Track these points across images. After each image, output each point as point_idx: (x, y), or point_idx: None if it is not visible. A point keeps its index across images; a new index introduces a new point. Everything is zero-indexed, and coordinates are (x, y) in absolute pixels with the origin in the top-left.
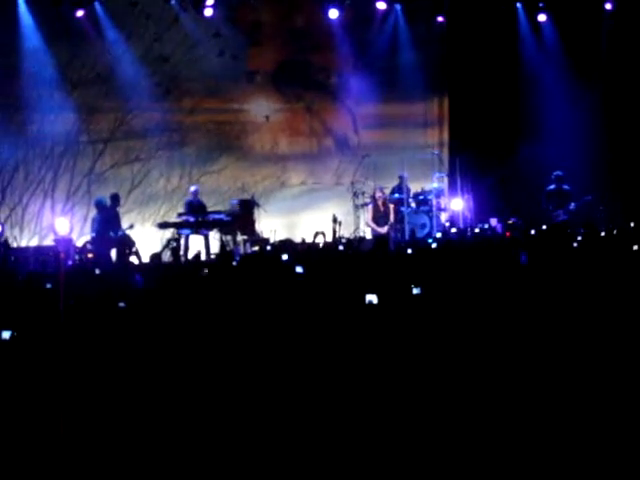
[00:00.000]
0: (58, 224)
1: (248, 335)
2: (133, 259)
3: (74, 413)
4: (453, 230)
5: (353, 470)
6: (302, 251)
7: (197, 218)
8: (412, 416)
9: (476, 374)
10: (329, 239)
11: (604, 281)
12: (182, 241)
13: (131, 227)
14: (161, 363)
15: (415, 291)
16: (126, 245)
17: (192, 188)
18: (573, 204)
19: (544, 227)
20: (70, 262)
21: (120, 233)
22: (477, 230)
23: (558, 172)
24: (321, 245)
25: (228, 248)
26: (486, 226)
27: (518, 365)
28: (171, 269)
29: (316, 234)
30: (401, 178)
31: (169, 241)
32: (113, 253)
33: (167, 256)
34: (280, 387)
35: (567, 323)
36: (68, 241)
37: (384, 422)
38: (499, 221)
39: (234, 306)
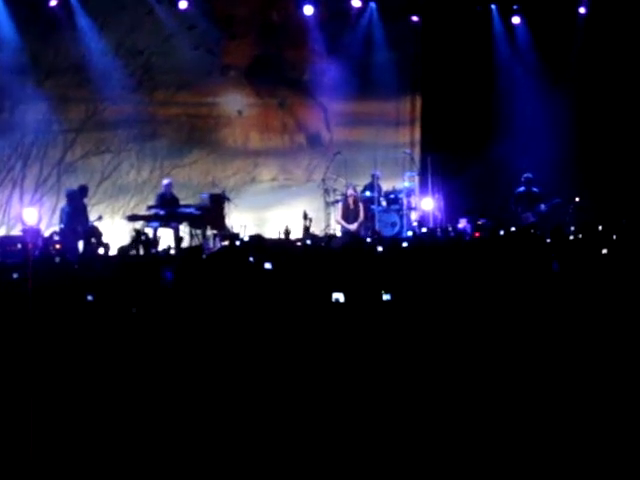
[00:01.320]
0: (26, 214)
1: (213, 331)
2: (100, 250)
3: (43, 408)
4: (423, 230)
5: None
6: (272, 247)
7: (167, 211)
8: (374, 417)
9: (445, 375)
10: (299, 235)
11: (572, 284)
12: (151, 234)
13: (99, 219)
14: (128, 355)
15: (385, 297)
16: (94, 237)
17: (165, 181)
18: (542, 206)
19: (513, 229)
20: (37, 252)
21: (88, 225)
22: (448, 230)
23: (528, 174)
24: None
25: (197, 242)
26: (452, 227)
27: (488, 365)
28: (139, 261)
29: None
30: (373, 176)
31: (137, 233)
32: (80, 245)
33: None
34: (245, 384)
35: (537, 324)
36: (36, 231)
37: (346, 421)
38: (469, 221)
39: (201, 301)
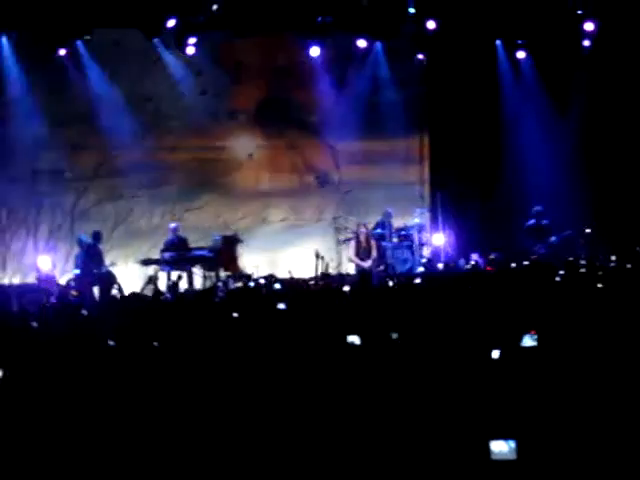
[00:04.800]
0: (41, 261)
1: (228, 372)
2: (115, 295)
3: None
4: (440, 265)
5: None
6: (286, 287)
7: (180, 254)
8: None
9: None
10: (312, 274)
11: (585, 318)
12: (165, 278)
13: (112, 264)
14: (149, 399)
15: (394, 336)
16: (109, 282)
17: (171, 225)
18: (553, 238)
19: (525, 262)
20: (53, 299)
21: (103, 270)
22: (461, 265)
23: (538, 207)
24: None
25: (210, 284)
26: (467, 263)
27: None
28: (153, 306)
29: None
30: (386, 214)
31: (150, 278)
32: (95, 290)
33: (148, 292)
34: (259, 424)
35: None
36: (51, 278)
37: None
38: (480, 256)
39: (215, 343)
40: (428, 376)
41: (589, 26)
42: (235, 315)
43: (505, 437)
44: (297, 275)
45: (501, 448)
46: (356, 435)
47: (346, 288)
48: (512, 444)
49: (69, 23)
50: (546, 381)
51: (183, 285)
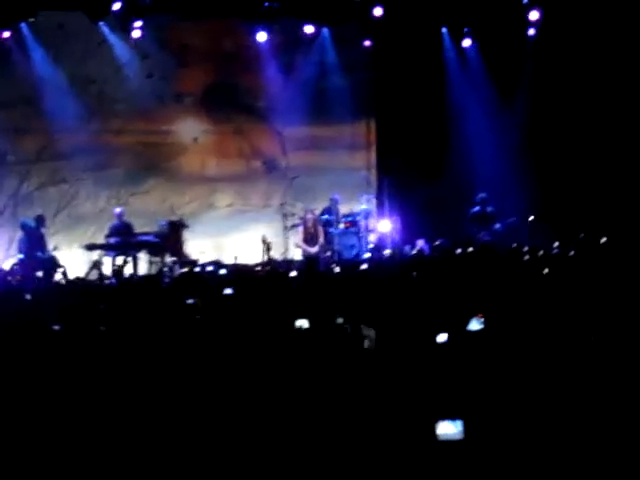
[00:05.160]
0: None
1: (176, 357)
2: (60, 280)
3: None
4: (386, 252)
5: None
6: (232, 272)
7: (125, 240)
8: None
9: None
10: (258, 260)
11: (530, 302)
12: (110, 263)
13: (55, 249)
14: (94, 384)
15: (339, 320)
16: (53, 266)
17: (116, 210)
18: (498, 225)
19: (470, 249)
20: None
21: (46, 255)
22: (407, 251)
23: (482, 194)
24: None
25: (156, 269)
26: (413, 249)
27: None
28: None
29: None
30: (332, 200)
31: (95, 263)
32: (39, 274)
33: (93, 277)
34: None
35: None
36: None
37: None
38: (426, 242)
39: (162, 327)
40: (375, 359)
41: (534, 15)
42: (190, 302)
43: (452, 418)
44: (243, 261)
45: (448, 429)
46: (306, 419)
47: (293, 274)
48: (459, 425)
49: (13, 6)
50: (492, 364)
51: (128, 270)
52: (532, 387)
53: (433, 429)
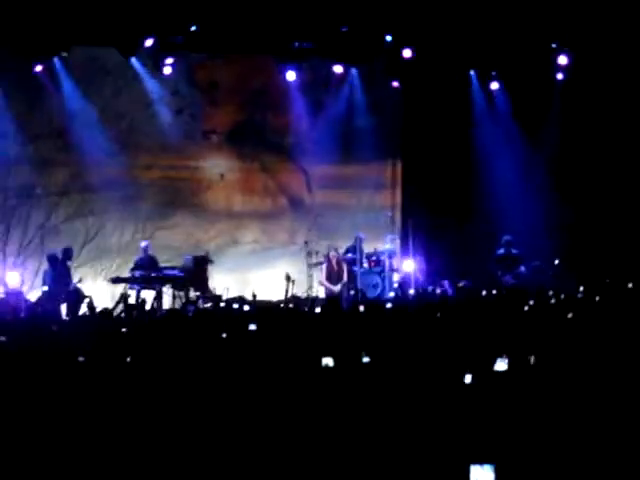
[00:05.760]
0: (9, 277)
1: (201, 391)
2: (85, 312)
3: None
4: (411, 292)
5: None
6: (256, 308)
7: (150, 273)
8: None
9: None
10: (282, 297)
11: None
12: (135, 296)
13: (80, 281)
14: (122, 416)
15: (365, 359)
16: (79, 298)
17: (142, 244)
18: (522, 268)
19: (494, 291)
20: (22, 315)
21: (71, 287)
22: (430, 291)
23: (507, 236)
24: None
25: (180, 304)
26: (437, 289)
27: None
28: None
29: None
30: (357, 239)
31: (122, 296)
32: (63, 307)
33: (119, 311)
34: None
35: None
36: (18, 294)
37: None
38: (450, 284)
39: (188, 360)
40: (402, 400)
41: (563, 59)
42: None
43: (483, 462)
44: (264, 297)
45: (481, 475)
46: (332, 458)
47: (317, 310)
48: (490, 469)
49: (47, 40)
50: (519, 406)
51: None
52: (559, 428)
53: (465, 474)
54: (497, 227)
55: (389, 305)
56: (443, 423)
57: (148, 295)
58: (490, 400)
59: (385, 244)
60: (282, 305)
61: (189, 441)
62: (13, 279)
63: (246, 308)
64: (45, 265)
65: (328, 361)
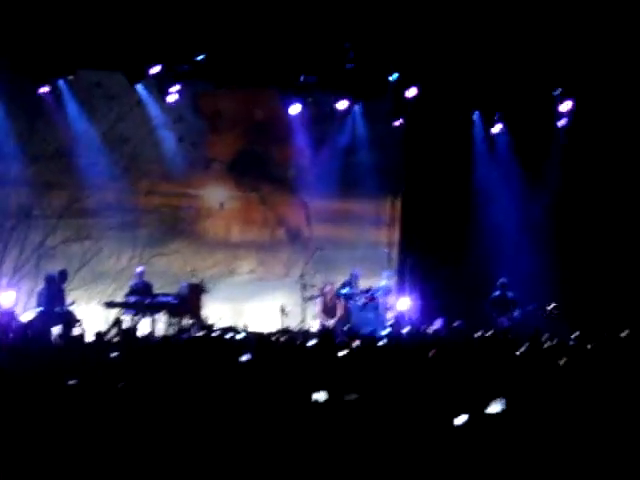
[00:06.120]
0: (3, 297)
1: (191, 421)
2: (76, 335)
3: None
4: (405, 330)
5: None
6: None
7: (144, 299)
8: None
9: None
10: (275, 329)
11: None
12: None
13: (73, 303)
14: (112, 440)
15: (352, 397)
16: (71, 321)
17: (137, 269)
18: (517, 311)
19: (488, 334)
20: (11, 335)
21: (64, 309)
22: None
23: (503, 279)
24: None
25: (173, 331)
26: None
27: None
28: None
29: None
30: (352, 275)
31: (117, 320)
32: (55, 329)
33: (112, 335)
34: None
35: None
36: (11, 314)
37: None
38: (444, 323)
39: (179, 388)
40: (392, 438)
41: (565, 106)
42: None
43: None
44: (258, 329)
45: None
46: None
47: (311, 343)
48: None
49: (53, 63)
50: (511, 448)
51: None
52: (550, 472)
53: None
54: (494, 269)
55: (382, 342)
56: (432, 463)
57: (142, 321)
58: (481, 443)
59: (381, 281)
60: (274, 337)
61: (179, 468)
62: (8, 298)
63: (239, 337)
64: (39, 286)
65: (319, 396)
